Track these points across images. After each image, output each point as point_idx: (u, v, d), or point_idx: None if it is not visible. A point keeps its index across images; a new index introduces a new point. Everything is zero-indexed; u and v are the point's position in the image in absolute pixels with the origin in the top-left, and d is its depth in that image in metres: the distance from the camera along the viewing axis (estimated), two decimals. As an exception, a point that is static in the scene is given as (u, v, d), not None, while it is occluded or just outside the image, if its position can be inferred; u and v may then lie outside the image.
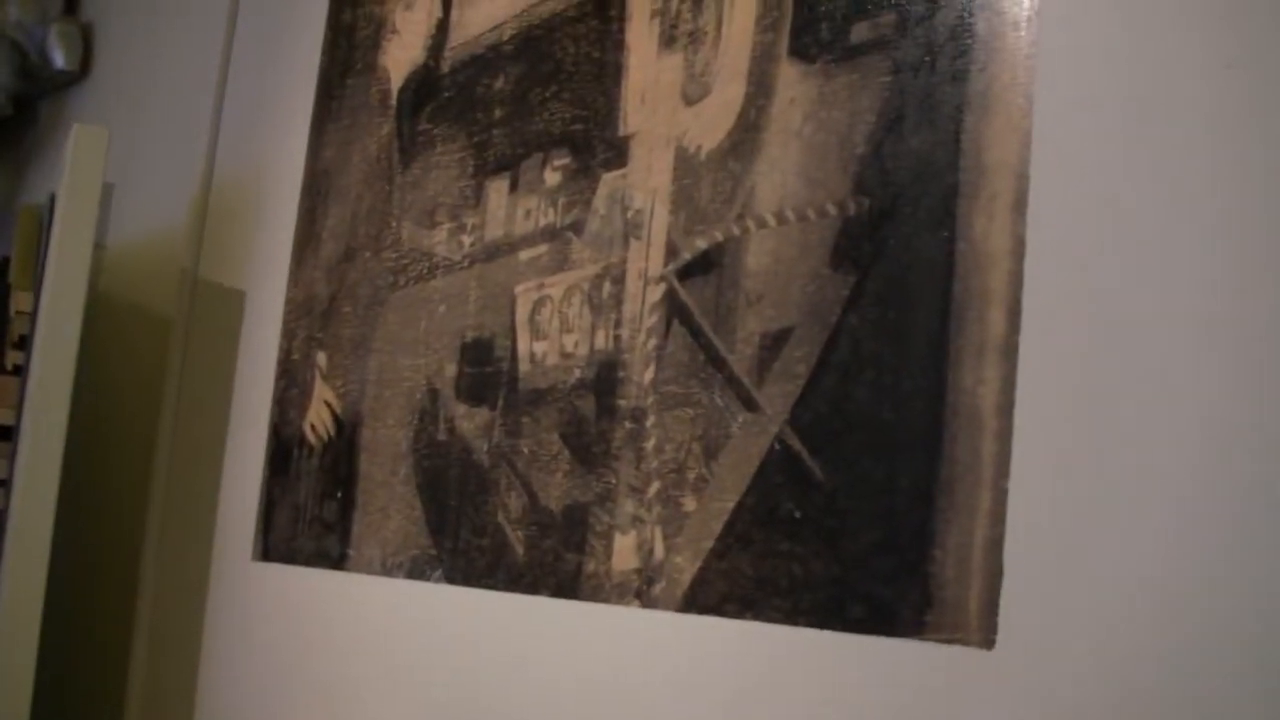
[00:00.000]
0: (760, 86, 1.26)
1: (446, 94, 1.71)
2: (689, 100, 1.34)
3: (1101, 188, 0.98)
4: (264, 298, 2.06)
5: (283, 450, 1.92)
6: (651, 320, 1.32)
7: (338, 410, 1.80)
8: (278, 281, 2.01)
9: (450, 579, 1.53)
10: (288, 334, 1.97)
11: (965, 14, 1.09)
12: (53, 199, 2.17)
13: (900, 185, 1.11)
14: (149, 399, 2.30)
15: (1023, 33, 1.05)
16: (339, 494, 1.76)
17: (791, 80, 1.23)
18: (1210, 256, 0.91)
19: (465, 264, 1.61)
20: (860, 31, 1.17)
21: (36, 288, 2.18)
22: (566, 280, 1.44)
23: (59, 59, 3.07)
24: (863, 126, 1.15)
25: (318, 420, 1.84)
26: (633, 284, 1.35)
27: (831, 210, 1.16)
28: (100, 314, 2.32)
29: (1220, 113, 0.92)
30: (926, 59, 1.11)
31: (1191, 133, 0.93)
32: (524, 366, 1.48)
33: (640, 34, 1.41)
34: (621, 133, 1.41)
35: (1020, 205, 1.02)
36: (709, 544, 1.22)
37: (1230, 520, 0.87)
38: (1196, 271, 0.92)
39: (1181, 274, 0.92)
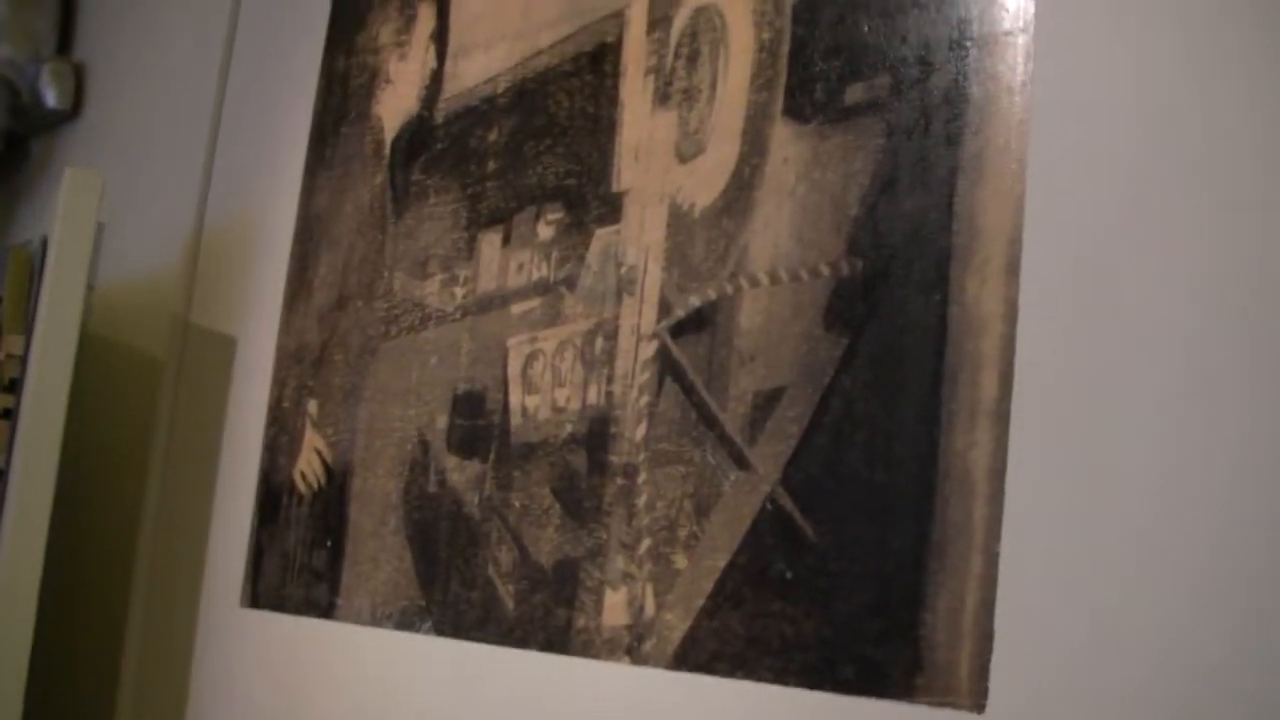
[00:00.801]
0: (754, 145, 1.27)
1: (440, 145, 1.71)
2: (683, 157, 1.34)
3: (1094, 253, 0.98)
4: (255, 344, 2.06)
5: (272, 497, 1.92)
6: (644, 377, 1.32)
7: (328, 459, 1.80)
8: (269, 328, 2.01)
9: (439, 631, 1.53)
10: (279, 381, 1.97)
11: (959, 78, 1.10)
12: (44, 242, 2.17)
13: (893, 247, 1.12)
14: (138, 443, 2.29)
15: (1016, 97, 1.05)
16: (328, 543, 1.76)
17: (785, 140, 1.24)
18: (1203, 321, 0.91)
19: (457, 316, 1.61)
20: (855, 93, 1.18)
21: (28, 330, 2.17)
22: (559, 334, 1.45)
23: (51, 98, 3.06)
24: (856, 188, 1.16)
25: (308, 468, 1.84)
26: (625, 340, 1.36)
27: (825, 271, 1.17)
28: (89, 355, 2.31)
29: (1215, 178, 0.93)
30: (920, 122, 1.12)
31: (1185, 198, 0.94)
32: (515, 420, 1.48)
33: (634, 90, 1.42)
34: (615, 188, 1.42)
35: (1013, 269, 1.03)
36: (700, 602, 1.21)
37: (1225, 586, 0.87)
38: (1188, 337, 0.92)
39: (1175, 339, 0.93)
